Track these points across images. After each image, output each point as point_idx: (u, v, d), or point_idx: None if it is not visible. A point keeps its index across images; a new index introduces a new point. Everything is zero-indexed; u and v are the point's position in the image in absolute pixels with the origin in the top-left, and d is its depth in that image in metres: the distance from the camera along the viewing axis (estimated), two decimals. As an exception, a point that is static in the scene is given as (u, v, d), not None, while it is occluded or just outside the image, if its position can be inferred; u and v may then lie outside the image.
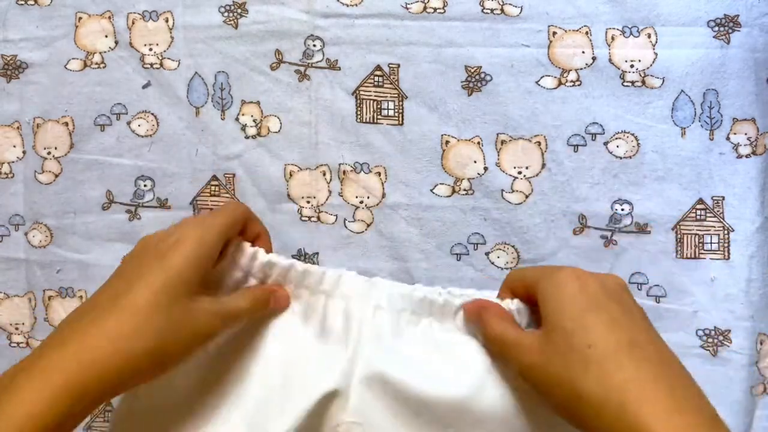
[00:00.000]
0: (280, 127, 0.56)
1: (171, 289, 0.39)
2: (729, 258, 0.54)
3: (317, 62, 0.56)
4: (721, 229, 0.54)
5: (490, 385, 0.46)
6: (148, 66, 0.57)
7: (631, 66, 0.55)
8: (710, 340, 0.54)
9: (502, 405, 0.46)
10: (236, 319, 0.43)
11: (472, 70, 0.55)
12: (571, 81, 0.55)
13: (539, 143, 0.55)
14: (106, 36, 0.57)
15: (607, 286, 0.41)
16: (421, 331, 0.48)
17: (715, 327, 0.54)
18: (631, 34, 0.55)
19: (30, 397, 0.34)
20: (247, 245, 0.45)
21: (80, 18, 0.57)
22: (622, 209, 0.55)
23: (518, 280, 0.45)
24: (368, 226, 0.56)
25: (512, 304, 0.45)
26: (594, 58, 0.55)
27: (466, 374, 0.46)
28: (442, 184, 0.56)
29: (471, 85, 0.55)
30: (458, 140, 0.55)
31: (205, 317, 0.40)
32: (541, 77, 0.55)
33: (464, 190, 0.56)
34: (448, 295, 0.47)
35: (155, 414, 0.46)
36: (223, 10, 0.56)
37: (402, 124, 0.56)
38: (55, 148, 0.57)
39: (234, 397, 0.46)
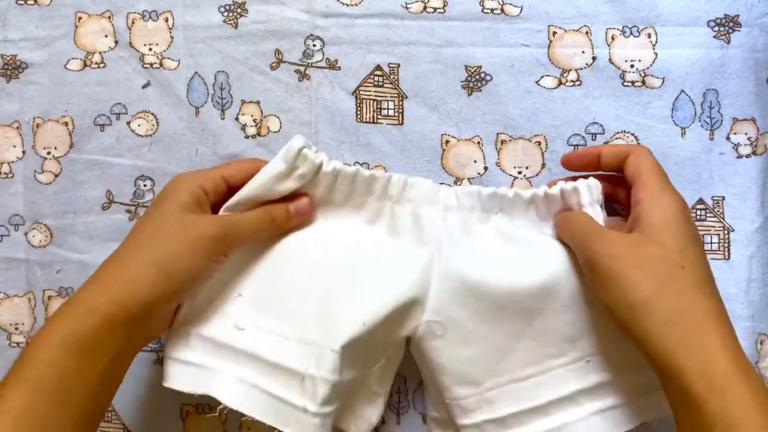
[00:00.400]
0: (280, 127, 0.56)
1: (164, 208, 0.46)
2: (729, 258, 0.54)
3: (317, 62, 0.56)
4: (721, 229, 0.54)
5: (571, 271, 0.47)
6: (148, 66, 0.57)
7: (631, 66, 0.54)
8: (710, 340, 0.54)
9: (585, 290, 0.47)
10: (239, 228, 0.46)
11: (472, 70, 0.55)
12: (571, 81, 0.55)
13: (539, 143, 0.55)
14: (106, 36, 0.57)
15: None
16: (491, 228, 0.49)
17: (715, 327, 0.54)
18: (631, 34, 0.55)
19: (62, 321, 0.41)
20: (311, 152, 0.47)
21: (80, 18, 0.57)
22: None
23: (614, 163, 0.49)
24: (368, 226, 0.56)
25: (591, 181, 0.48)
26: (594, 58, 0.55)
27: (545, 261, 0.47)
28: (443, 184, 0.55)
29: (471, 85, 0.55)
30: (458, 140, 0.55)
31: (198, 223, 0.45)
32: (541, 77, 0.55)
33: (464, 190, 0.56)
34: (518, 189, 0.49)
35: (222, 305, 0.48)
36: (222, 9, 0.56)
37: (402, 124, 0.56)
38: (55, 148, 0.57)
39: (299, 290, 0.48)
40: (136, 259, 0.44)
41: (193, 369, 0.46)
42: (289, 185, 0.48)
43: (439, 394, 0.50)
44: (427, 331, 0.48)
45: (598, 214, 0.47)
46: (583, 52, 0.55)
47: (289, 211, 0.48)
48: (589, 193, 0.48)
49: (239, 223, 0.47)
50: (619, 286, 0.41)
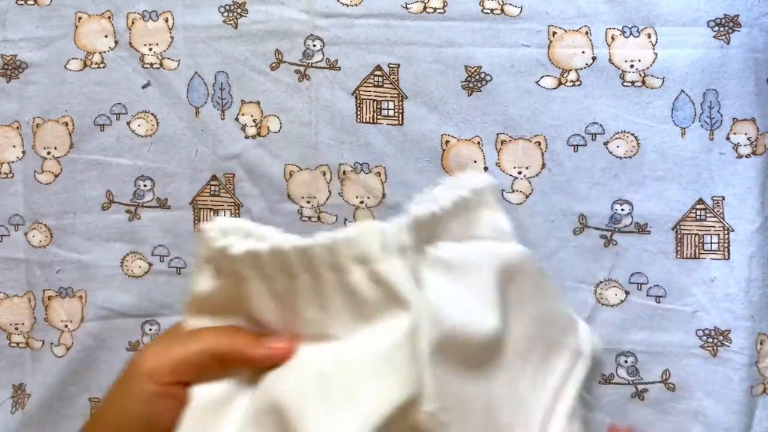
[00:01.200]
0: (280, 127, 0.56)
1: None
2: (729, 258, 0.54)
3: (317, 62, 0.56)
4: (721, 229, 0.54)
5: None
6: (148, 66, 0.57)
7: (631, 66, 0.55)
8: (710, 340, 0.54)
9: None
10: (179, 354, 0.35)
11: (472, 70, 0.55)
12: (571, 81, 0.55)
13: (539, 143, 0.55)
14: (106, 36, 0.57)
15: None
16: (427, 260, 0.34)
17: (715, 327, 0.54)
18: (631, 34, 0.55)
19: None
20: (210, 234, 0.33)
21: (80, 18, 0.57)
22: (622, 209, 0.55)
23: None
24: (368, 226, 0.56)
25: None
26: (594, 58, 0.55)
27: (488, 292, 0.35)
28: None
29: (471, 85, 0.55)
30: (458, 140, 0.55)
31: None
32: (541, 77, 0.55)
33: (464, 190, 0.56)
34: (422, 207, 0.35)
35: None
36: (222, 10, 0.56)
37: (402, 124, 0.56)
38: (55, 148, 0.57)
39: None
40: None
41: None
42: (208, 283, 0.34)
43: None
44: (431, 423, 0.32)
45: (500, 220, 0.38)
46: (583, 52, 0.55)
47: (260, 340, 0.34)
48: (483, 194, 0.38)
49: (182, 351, 0.34)
50: None
